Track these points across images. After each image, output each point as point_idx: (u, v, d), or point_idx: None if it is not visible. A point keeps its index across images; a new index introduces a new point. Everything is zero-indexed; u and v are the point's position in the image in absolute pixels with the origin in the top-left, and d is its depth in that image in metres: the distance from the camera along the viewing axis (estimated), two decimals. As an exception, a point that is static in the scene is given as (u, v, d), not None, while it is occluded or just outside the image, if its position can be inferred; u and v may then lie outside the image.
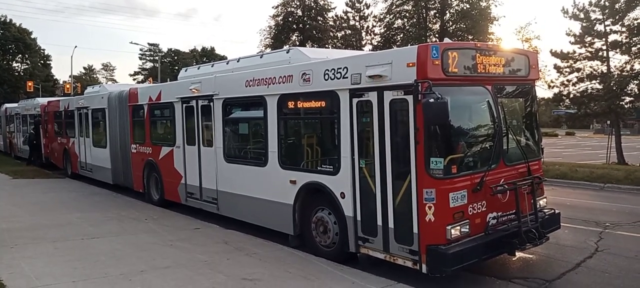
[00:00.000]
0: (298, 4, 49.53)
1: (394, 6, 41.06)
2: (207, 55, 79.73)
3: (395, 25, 40.99)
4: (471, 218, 6.11)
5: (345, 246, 7.03)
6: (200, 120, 10.16)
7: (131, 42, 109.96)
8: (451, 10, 38.33)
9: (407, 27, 39.79)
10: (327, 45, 47.24)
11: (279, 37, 48.67)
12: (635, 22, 23.76)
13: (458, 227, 5.94)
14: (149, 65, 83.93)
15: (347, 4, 49.69)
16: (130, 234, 9.11)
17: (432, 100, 5.55)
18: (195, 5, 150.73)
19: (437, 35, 36.47)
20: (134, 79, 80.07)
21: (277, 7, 49.12)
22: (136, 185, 13.13)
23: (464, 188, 6.04)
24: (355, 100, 6.70)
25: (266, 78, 8.25)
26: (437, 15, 38.80)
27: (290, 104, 7.91)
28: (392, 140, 6.24)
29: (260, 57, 9.27)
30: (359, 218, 6.79)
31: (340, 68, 6.88)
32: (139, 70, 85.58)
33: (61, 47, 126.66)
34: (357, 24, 49.84)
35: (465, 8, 36.98)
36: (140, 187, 12.82)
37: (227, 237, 8.79)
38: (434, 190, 5.83)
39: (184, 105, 10.65)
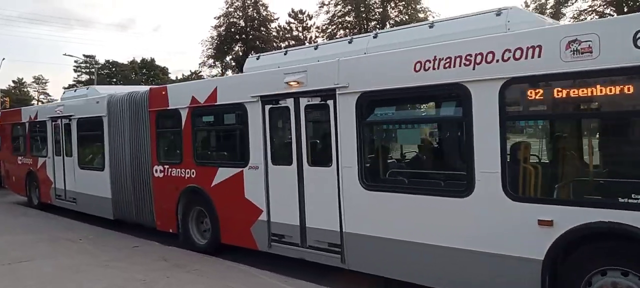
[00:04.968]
0: (240, 14, 49.81)
1: (336, 17, 43.52)
2: (147, 67, 75.64)
3: (337, 36, 42.17)
4: None
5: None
6: (303, 127, 6.80)
7: (65, 54, 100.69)
8: (391, 21, 41.16)
9: None
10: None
11: (222, 47, 49.29)
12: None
13: None
14: (84, 77, 77.32)
15: (289, 15, 50.76)
16: (63, 256, 8.44)
17: None
18: (133, 16, 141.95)
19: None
20: (69, 92, 72.54)
21: (219, 17, 50.26)
22: (162, 222, 9.37)
23: None
24: None
25: (469, 55, 5.11)
26: (377, 26, 40.66)
27: (533, 94, 4.81)
28: None
29: (431, 27, 6.03)
30: None
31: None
32: (74, 83, 78.06)
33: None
34: (300, 34, 50.86)
35: (404, 19, 39.80)
36: (172, 225, 9.08)
37: (167, 253, 8.38)
38: None
39: (268, 106, 7.22)
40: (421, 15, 40.55)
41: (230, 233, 8.00)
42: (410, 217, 5.67)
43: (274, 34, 51.21)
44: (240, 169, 7.66)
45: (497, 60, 4.92)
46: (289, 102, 6.95)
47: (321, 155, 6.66)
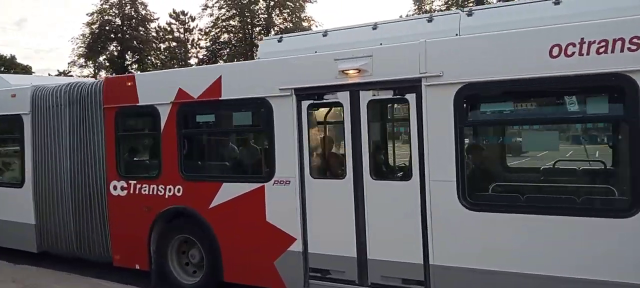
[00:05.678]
0: (117, 12, 46.94)
1: (220, 21, 42.70)
2: (6, 65, 67.28)
3: (221, 40, 42.58)
4: None
5: None
6: (364, 129, 5.22)
7: None
8: (276, 28, 41.56)
9: (234, 42, 42.34)
10: (149, 58, 47.58)
11: (95, 46, 46.23)
12: None
13: None
14: None
15: (171, 16, 48.78)
16: None
17: None
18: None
19: (263, 51, 40.56)
20: None
21: (92, 14, 46.29)
22: (123, 256, 7.02)
23: None
24: None
25: (635, 38, 4.01)
26: (262, 32, 41.33)
27: None
28: None
29: (556, 4, 4.68)
30: None
31: None
32: None
33: None
34: (182, 36, 49.39)
35: (288, 27, 40.61)
36: (140, 260, 6.80)
37: (17, 274, 7.46)
38: None
39: (307, 102, 5.53)
40: (305, 24, 41.44)
41: (240, 268, 6.06)
42: (542, 244, 4.40)
43: (154, 34, 48.62)
44: (260, 184, 5.81)
45: None
46: (343, 97, 5.34)
47: (392, 165, 5.16)
